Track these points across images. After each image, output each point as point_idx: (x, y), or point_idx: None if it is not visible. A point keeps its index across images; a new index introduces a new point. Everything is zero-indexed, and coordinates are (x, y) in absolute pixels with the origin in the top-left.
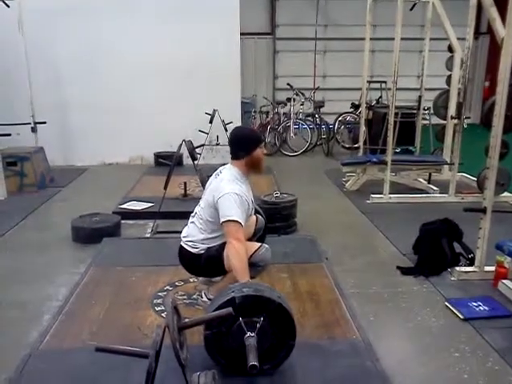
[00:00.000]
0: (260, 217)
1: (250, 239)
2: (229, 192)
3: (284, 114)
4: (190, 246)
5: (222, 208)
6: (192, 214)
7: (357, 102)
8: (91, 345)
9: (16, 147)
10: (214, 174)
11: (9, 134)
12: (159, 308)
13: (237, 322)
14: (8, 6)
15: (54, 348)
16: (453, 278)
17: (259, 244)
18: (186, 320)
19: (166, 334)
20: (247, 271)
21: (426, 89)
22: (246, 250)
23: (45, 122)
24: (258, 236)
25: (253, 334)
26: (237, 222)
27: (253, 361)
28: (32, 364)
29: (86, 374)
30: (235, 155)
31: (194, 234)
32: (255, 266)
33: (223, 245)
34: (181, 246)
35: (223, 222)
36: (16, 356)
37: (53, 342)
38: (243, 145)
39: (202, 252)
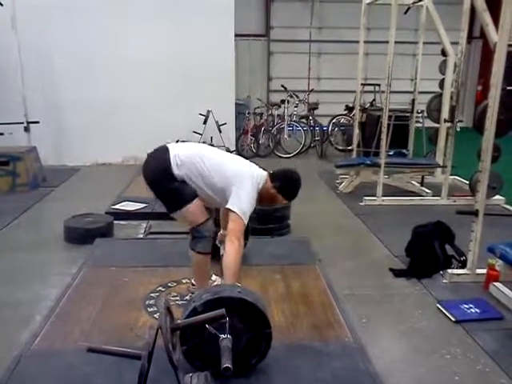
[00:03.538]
0: None
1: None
2: (250, 189)
3: (278, 115)
4: (176, 164)
5: (240, 200)
6: (199, 148)
7: (351, 105)
8: (83, 345)
9: (8, 147)
10: (248, 162)
11: (1, 133)
12: (152, 309)
13: (206, 330)
14: (1, 5)
15: (45, 348)
16: (445, 281)
17: None
18: (179, 321)
19: (159, 335)
20: (237, 275)
21: (419, 92)
22: (241, 253)
23: (38, 122)
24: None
25: (226, 336)
26: (244, 221)
27: (226, 363)
28: (23, 364)
29: (78, 374)
30: (274, 179)
31: (186, 162)
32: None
33: (194, 195)
34: (167, 150)
35: (235, 212)
36: (7, 356)
37: (44, 342)
38: (286, 186)
39: (178, 179)
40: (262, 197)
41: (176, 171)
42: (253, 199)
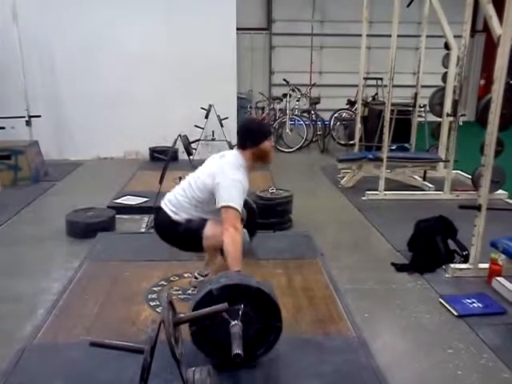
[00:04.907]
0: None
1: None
2: (233, 178)
3: (280, 109)
4: (171, 211)
5: (223, 192)
6: (184, 181)
7: (353, 99)
8: (85, 339)
9: (10, 141)
10: (217, 155)
11: (3, 128)
12: (154, 303)
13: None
14: None
15: (48, 342)
16: (447, 275)
17: None
18: (182, 315)
19: (161, 330)
20: (240, 260)
21: (421, 86)
22: (241, 239)
23: (39, 116)
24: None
25: (237, 322)
26: (236, 209)
27: (236, 349)
28: (26, 358)
29: (80, 368)
30: (242, 145)
31: (179, 201)
32: None
33: (204, 221)
34: (160, 208)
35: (223, 206)
36: (9, 350)
37: (47, 336)
38: (251, 136)
39: (182, 222)
40: (254, 164)
41: (176, 217)
42: (239, 183)
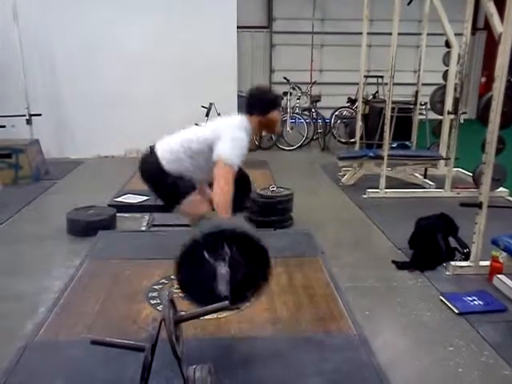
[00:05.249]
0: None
1: None
2: (236, 135)
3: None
4: (164, 159)
5: (223, 146)
6: (182, 133)
7: (353, 97)
8: (86, 337)
9: (11, 139)
10: (223, 117)
11: (3, 126)
12: (154, 301)
13: (204, 258)
14: None
15: (49, 340)
16: (448, 273)
17: None
18: (182, 313)
19: (162, 328)
20: (229, 210)
21: (422, 84)
22: (232, 192)
23: (40, 114)
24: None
25: (224, 266)
26: (233, 167)
27: (225, 292)
28: (27, 356)
29: (81, 366)
30: (250, 111)
31: (174, 151)
32: None
33: (192, 189)
34: (152, 151)
35: (220, 159)
36: (11, 348)
37: (48, 334)
38: (260, 104)
39: (173, 174)
40: (259, 132)
41: (167, 167)
42: (241, 141)
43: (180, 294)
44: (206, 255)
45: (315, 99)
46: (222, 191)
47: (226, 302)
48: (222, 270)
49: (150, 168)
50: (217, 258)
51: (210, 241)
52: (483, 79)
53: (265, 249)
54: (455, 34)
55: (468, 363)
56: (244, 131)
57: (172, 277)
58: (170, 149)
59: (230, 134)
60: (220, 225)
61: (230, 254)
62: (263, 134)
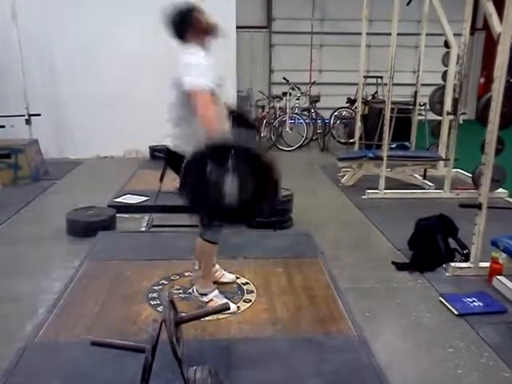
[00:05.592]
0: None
1: None
2: (187, 62)
3: (280, 108)
4: (176, 146)
5: (184, 78)
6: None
7: (353, 97)
8: (86, 339)
9: (10, 139)
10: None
11: (3, 126)
12: (154, 302)
13: (208, 167)
14: None
15: (49, 341)
16: (447, 274)
17: None
18: (183, 314)
19: (163, 329)
20: (215, 121)
21: (421, 84)
22: (212, 114)
23: (39, 115)
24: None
25: (229, 175)
26: (202, 90)
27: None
28: (27, 357)
29: (81, 367)
30: (181, 36)
31: (180, 117)
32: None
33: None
34: (168, 150)
35: (189, 90)
36: (10, 349)
37: (48, 335)
38: (180, 24)
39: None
40: (206, 42)
41: (181, 149)
42: (194, 62)
43: (180, 295)
44: (210, 166)
45: (314, 99)
46: (204, 118)
47: (227, 304)
48: (228, 179)
49: (174, 162)
50: (221, 171)
51: (214, 153)
52: (482, 79)
53: (270, 163)
54: (454, 35)
55: (468, 365)
56: (191, 54)
57: (172, 277)
58: (177, 121)
59: (182, 68)
60: (225, 139)
61: (236, 166)
62: (213, 38)
